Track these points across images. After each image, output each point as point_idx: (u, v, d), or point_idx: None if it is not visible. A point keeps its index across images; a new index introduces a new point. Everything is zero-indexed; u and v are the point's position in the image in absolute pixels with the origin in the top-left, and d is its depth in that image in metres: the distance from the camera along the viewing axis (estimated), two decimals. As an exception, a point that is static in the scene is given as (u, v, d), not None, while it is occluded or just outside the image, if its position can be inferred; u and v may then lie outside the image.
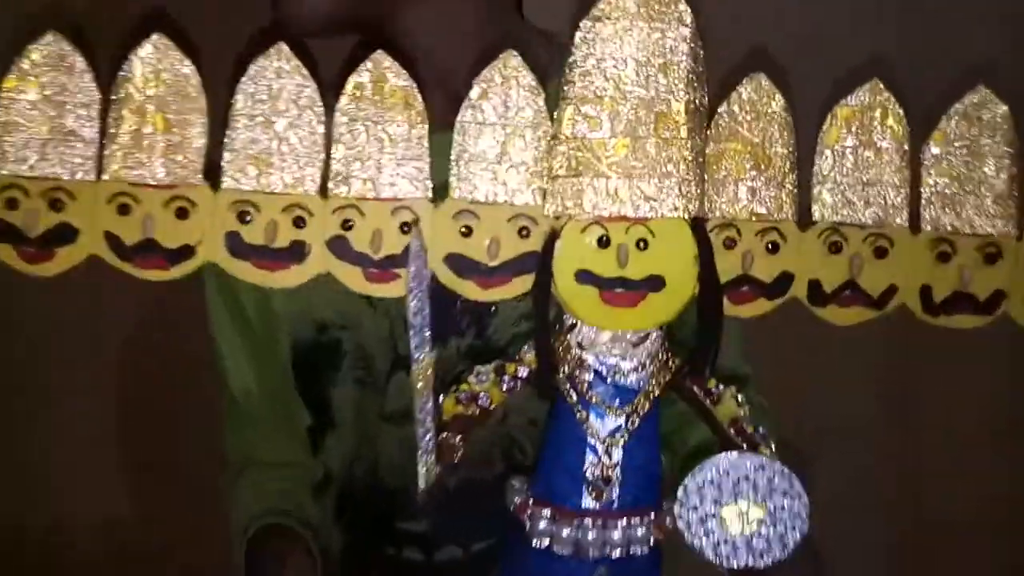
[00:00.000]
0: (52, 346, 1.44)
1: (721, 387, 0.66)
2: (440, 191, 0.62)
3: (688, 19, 0.60)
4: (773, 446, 0.64)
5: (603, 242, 0.61)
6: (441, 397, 0.67)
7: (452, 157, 0.62)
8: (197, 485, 1.23)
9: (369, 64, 0.62)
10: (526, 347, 0.67)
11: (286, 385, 0.99)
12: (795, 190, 0.63)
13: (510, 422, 0.91)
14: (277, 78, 0.62)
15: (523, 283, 0.63)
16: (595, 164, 0.61)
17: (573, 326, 0.65)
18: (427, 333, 0.62)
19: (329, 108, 0.62)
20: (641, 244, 0.61)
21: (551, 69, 0.67)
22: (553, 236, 0.62)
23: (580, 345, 0.65)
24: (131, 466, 1.50)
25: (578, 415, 0.65)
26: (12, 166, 0.62)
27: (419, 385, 0.63)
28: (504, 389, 0.67)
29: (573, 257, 0.61)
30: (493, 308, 0.89)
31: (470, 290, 0.63)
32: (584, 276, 0.61)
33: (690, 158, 0.60)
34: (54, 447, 1.46)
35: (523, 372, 0.67)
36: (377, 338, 0.92)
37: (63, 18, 0.65)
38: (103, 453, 1.49)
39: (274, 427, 1.01)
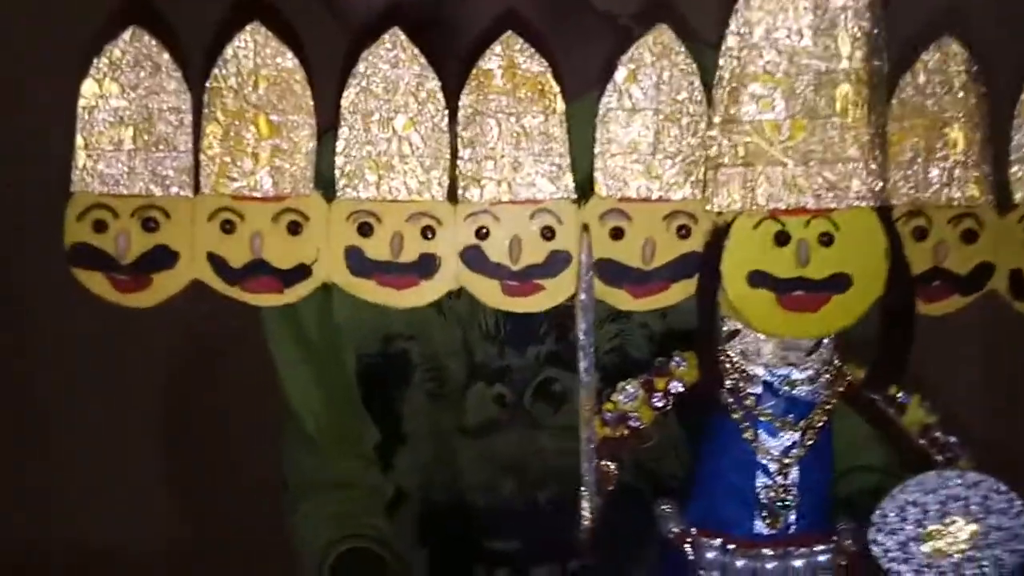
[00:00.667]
0: (87, 371, 1.37)
1: (904, 394, 0.59)
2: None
3: (869, -23, 0.52)
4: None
5: (781, 238, 0.53)
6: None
7: (596, 149, 0.55)
8: (252, 508, 1.18)
9: (497, 48, 0.54)
10: (676, 359, 0.60)
11: (352, 403, 0.92)
12: (992, 170, 0.55)
13: None
14: (393, 68, 0.54)
15: (683, 289, 0.55)
16: (768, 150, 0.53)
17: (734, 333, 0.58)
18: (593, 355, 0.55)
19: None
20: (824, 239, 0.53)
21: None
22: (718, 234, 0.54)
23: (744, 355, 0.58)
24: (183, 490, 1.43)
25: (745, 433, 0.58)
26: (97, 184, 0.54)
27: (586, 411, 0.55)
28: (655, 407, 0.59)
29: (745, 257, 0.53)
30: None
31: (622, 300, 0.56)
32: (758, 278, 0.53)
33: (875, 139, 0.53)
34: (94, 474, 1.40)
35: (676, 387, 0.59)
36: (449, 348, 0.85)
37: (144, 11, 0.56)
38: (149, 478, 1.42)
39: (339, 448, 0.94)
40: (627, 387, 0.60)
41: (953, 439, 0.58)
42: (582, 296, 0.52)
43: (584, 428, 0.56)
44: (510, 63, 0.54)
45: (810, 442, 0.58)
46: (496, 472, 0.86)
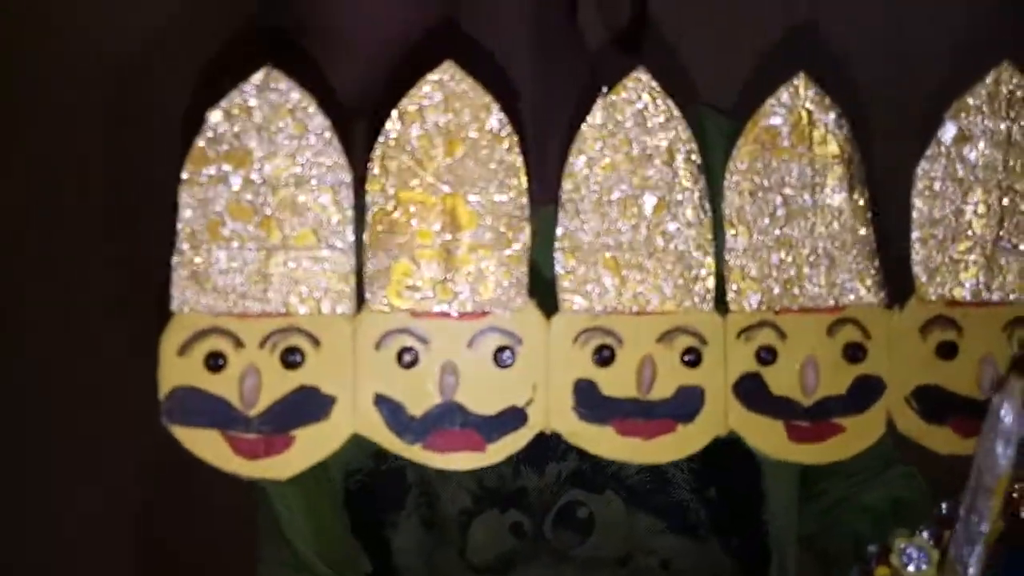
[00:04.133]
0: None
1: None
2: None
3: None
4: None
5: None
6: None
7: (915, 234, 0.40)
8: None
9: (784, 95, 0.39)
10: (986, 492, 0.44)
11: (343, 524, 0.75)
12: None
13: (636, 565, 0.69)
14: (637, 124, 0.38)
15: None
16: None
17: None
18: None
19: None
20: None
21: None
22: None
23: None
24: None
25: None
26: (210, 299, 0.37)
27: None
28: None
29: None
30: None
31: (944, 441, 0.40)
32: None
33: None
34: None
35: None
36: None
37: (281, 39, 0.39)
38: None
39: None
40: (909, 542, 0.45)
41: None
42: (1003, 466, 0.36)
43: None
44: (799, 118, 0.39)
45: None
46: None
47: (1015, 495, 0.45)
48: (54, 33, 0.88)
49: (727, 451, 0.63)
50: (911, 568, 0.44)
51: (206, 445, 0.37)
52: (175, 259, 0.36)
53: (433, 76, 0.37)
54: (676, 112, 0.38)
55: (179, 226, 0.36)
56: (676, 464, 0.65)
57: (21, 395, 0.95)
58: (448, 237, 0.37)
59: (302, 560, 0.77)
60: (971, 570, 0.36)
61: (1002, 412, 0.33)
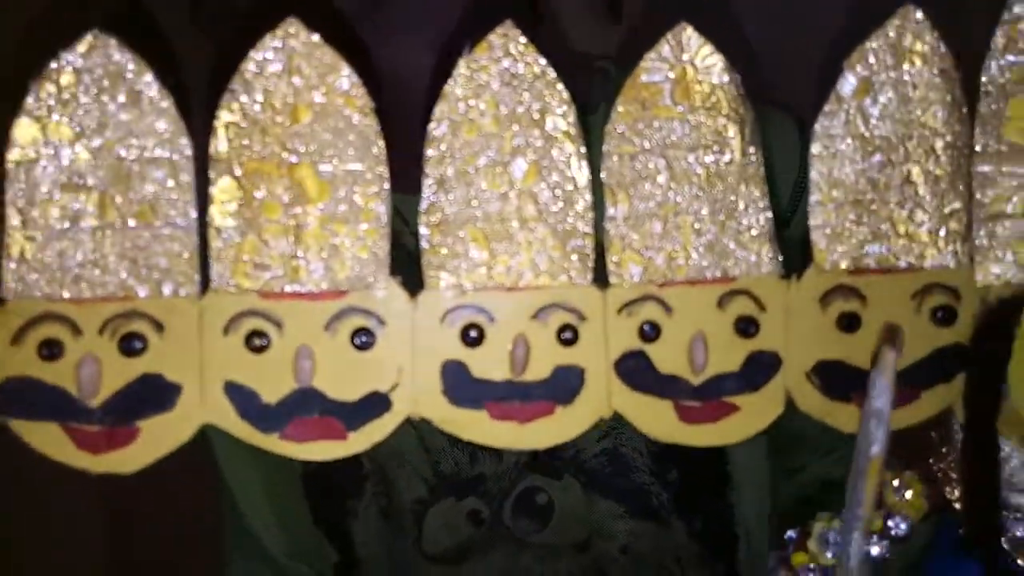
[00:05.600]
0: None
1: None
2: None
3: None
4: None
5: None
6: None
7: (814, 198, 0.36)
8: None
9: (665, 49, 0.35)
10: (895, 487, 0.42)
11: (305, 514, 0.73)
12: None
13: (596, 551, 0.67)
14: (506, 85, 0.35)
15: (940, 398, 0.38)
16: (1079, 193, 0.35)
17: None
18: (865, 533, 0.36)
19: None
20: None
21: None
22: (995, 320, 0.37)
23: (1010, 484, 0.40)
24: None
25: (1011, 592, 0.40)
26: (43, 283, 0.34)
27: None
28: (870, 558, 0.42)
29: (1046, 355, 0.36)
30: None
31: (843, 417, 0.38)
32: (1066, 385, 0.36)
33: None
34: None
35: (899, 527, 0.42)
36: (400, 455, 0.65)
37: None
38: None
39: (303, 567, 0.75)
40: (826, 528, 0.42)
41: None
42: (874, 448, 0.33)
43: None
44: (682, 73, 0.36)
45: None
46: None
47: (939, 474, 0.42)
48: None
49: None
50: (829, 554, 0.42)
51: (46, 438, 0.35)
52: (3, 243, 0.34)
53: (275, 35, 0.34)
54: (549, 70, 0.35)
55: (6, 206, 0.34)
56: (636, 447, 0.63)
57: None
58: (298, 211, 0.35)
59: (267, 551, 0.76)
60: (851, 562, 0.33)
61: (874, 389, 0.30)
